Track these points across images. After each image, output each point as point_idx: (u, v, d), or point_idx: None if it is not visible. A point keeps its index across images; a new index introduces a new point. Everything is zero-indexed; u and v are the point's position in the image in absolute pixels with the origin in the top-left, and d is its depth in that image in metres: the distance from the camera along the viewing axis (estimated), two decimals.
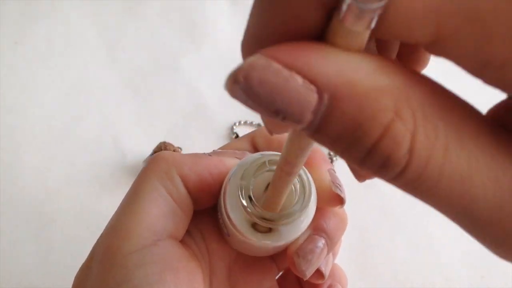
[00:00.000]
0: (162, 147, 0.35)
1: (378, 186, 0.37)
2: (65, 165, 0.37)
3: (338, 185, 0.21)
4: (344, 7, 0.09)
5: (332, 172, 0.21)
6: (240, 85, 0.10)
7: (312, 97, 0.10)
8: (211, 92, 0.43)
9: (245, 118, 0.41)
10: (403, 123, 0.10)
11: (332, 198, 0.21)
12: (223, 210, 0.20)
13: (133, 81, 0.44)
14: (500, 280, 0.32)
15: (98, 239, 0.20)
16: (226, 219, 0.20)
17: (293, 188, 0.19)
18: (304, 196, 0.19)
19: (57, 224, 0.34)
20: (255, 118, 0.41)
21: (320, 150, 0.22)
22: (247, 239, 0.19)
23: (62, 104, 0.42)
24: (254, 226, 0.19)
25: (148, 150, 0.38)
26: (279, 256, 0.24)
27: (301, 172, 0.20)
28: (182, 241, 0.21)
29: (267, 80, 0.10)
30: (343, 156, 0.11)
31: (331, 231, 0.21)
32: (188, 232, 0.21)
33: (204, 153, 0.22)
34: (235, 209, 0.19)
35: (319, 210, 0.21)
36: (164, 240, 0.19)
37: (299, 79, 0.10)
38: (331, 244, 0.21)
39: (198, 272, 0.20)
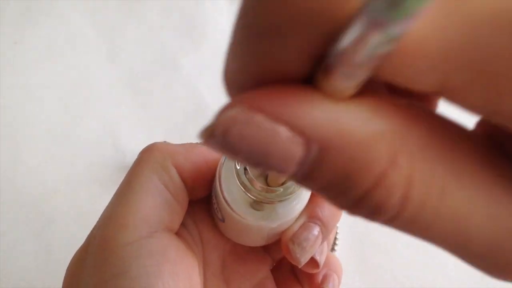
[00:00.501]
0: None
1: None
2: (65, 165, 0.37)
3: None
4: (331, 60, 0.08)
5: None
6: (217, 139, 0.09)
7: (297, 150, 0.09)
8: (211, 92, 0.43)
9: None
10: (398, 170, 0.09)
11: None
12: (218, 191, 0.20)
13: (133, 81, 0.44)
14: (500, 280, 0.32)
15: (93, 230, 0.20)
16: (222, 200, 0.19)
17: None
18: None
19: (57, 224, 0.34)
20: None
21: None
22: (242, 219, 0.19)
23: (62, 104, 0.42)
24: (250, 206, 0.19)
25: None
26: (273, 247, 0.24)
27: None
28: (177, 233, 0.21)
29: (248, 135, 0.09)
30: (331, 202, 0.10)
31: (326, 219, 0.21)
32: (182, 223, 0.21)
33: (197, 143, 0.22)
34: (231, 189, 0.19)
35: (313, 198, 0.21)
36: (161, 232, 0.19)
37: (284, 132, 0.09)
38: (326, 232, 0.21)
39: (195, 264, 0.20)
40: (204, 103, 0.42)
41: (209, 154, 0.21)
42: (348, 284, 0.31)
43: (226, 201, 0.19)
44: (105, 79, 0.44)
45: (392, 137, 0.09)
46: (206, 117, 0.44)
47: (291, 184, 0.19)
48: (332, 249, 0.33)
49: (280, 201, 0.19)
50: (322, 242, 0.21)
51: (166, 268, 0.18)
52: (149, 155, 0.20)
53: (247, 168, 0.18)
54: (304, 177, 0.09)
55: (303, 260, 0.20)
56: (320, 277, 0.23)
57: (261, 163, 0.09)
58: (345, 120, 0.09)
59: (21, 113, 0.40)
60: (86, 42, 0.47)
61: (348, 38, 0.08)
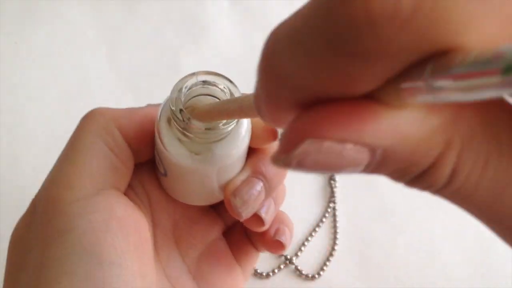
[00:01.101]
0: None
1: (378, 186, 0.37)
2: None
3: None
4: (412, 85, 0.09)
5: None
6: (292, 168, 0.11)
7: (364, 157, 0.10)
8: None
9: None
10: (451, 151, 0.10)
11: (265, 131, 0.20)
12: (158, 142, 0.20)
13: (133, 81, 0.44)
14: (500, 280, 0.32)
15: (38, 192, 0.20)
16: (162, 149, 0.19)
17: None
18: None
19: None
20: None
21: None
22: (182, 165, 0.19)
23: (62, 104, 0.41)
24: (188, 151, 0.19)
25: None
26: (224, 212, 0.24)
27: (231, 88, 0.20)
28: (125, 194, 0.21)
29: (321, 161, 0.10)
30: (388, 177, 0.11)
31: (270, 175, 0.21)
32: (129, 185, 0.21)
33: (135, 107, 0.22)
34: (170, 136, 0.19)
35: (257, 153, 0.21)
36: (107, 189, 0.19)
37: (350, 148, 0.10)
38: (270, 188, 0.21)
39: (143, 221, 0.20)
40: None
41: (154, 112, 0.21)
42: (348, 284, 0.31)
43: (165, 148, 0.19)
44: (105, 79, 0.44)
45: (444, 127, 0.10)
46: None
47: (226, 122, 0.19)
48: (333, 249, 0.33)
49: (215, 141, 0.19)
50: (266, 198, 0.21)
51: (113, 223, 0.18)
52: (92, 119, 0.20)
53: (183, 110, 0.19)
54: (369, 172, 0.11)
55: (245, 214, 0.21)
56: (272, 232, 0.23)
57: (333, 173, 0.11)
58: (403, 127, 0.10)
59: (21, 113, 0.40)
60: (86, 42, 0.47)
61: (462, 82, 0.08)
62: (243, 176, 0.21)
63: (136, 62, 0.46)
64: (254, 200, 0.21)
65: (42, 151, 0.38)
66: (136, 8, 0.51)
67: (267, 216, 0.22)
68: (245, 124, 0.20)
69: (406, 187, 0.11)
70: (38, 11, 0.49)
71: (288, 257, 0.32)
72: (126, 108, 0.21)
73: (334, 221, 0.34)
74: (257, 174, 0.21)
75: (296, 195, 0.36)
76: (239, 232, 0.25)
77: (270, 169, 0.21)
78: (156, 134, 0.20)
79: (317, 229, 0.34)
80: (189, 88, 0.20)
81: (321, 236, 0.34)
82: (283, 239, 0.23)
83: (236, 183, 0.21)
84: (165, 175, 0.21)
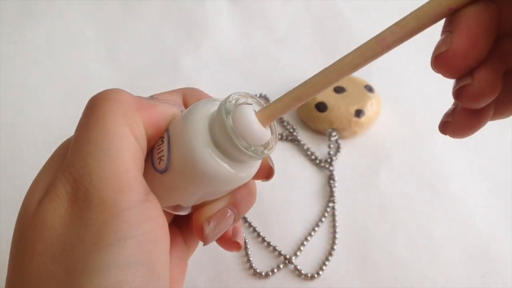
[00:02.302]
0: None
1: (377, 186, 0.37)
2: None
3: (271, 160, 0.22)
4: None
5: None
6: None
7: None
8: (211, 91, 0.43)
9: None
10: None
11: (268, 170, 0.22)
12: (178, 141, 0.19)
13: (133, 81, 0.44)
14: (500, 280, 0.32)
15: (80, 186, 0.17)
16: (185, 140, 0.19)
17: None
18: (275, 138, 0.20)
19: None
20: None
21: None
22: (202, 162, 0.19)
23: (61, 104, 0.42)
24: (209, 152, 0.19)
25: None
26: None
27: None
28: None
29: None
30: None
31: (243, 208, 0.22)
32: None
33: (146, 97, 0.21)
34: (198, 139, 0.19)
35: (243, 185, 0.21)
36: (150, 193, 0.19)
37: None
38: (238, 218, 0.22)
39: (167, 227, 0.20)
40: None
41: (171, 113, 0.20)
42: (348, 283, 0.31)
43: (190, 142, 0.19)
44: (105, 78, 0.44)
45: None
46: None
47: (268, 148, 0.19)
48: (332, 249, 0.33)
49: (236, 161, 0.19)
50: (232, 225, 0.22)
51: (159, 233, 0.18)
52: (117, 103, 0.19)
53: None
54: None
55: (210, 241, 0.21)
56: (230, 232, 0.23)
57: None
58: None
59: (21, 113, 0.40)
60: (86, 42, 0.47)
61: None
62: (221, 204, 0.21)
63: (136, 61, 0.46)
64: (222, 231, 0.21)
65: (42, 151, 0.38)
66: (135, 8, 0.51)
67: (219, 234, 0.22)
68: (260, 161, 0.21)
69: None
70: (38, 11, 0.50)
71: (287, 256, 0.32)
72: (145, 99, 0.20)
73: (333, 220, 0.34)
74: (233, 206, 0.21)
75: (295, 195, 0.36)
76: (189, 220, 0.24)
77: (245, 203, 0.22)
78: (181, 130, 0.19)
79: (316, 228, 0.34)
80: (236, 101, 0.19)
81: (320, 236, 0.34)
82: (239, 239, 0.23)
83: (213, 210, 0.21)
84: (162, 172, 0.20)
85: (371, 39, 0.17)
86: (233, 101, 0.19)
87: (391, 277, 0.32)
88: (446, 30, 0.17)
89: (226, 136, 0.18)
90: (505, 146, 0.39)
